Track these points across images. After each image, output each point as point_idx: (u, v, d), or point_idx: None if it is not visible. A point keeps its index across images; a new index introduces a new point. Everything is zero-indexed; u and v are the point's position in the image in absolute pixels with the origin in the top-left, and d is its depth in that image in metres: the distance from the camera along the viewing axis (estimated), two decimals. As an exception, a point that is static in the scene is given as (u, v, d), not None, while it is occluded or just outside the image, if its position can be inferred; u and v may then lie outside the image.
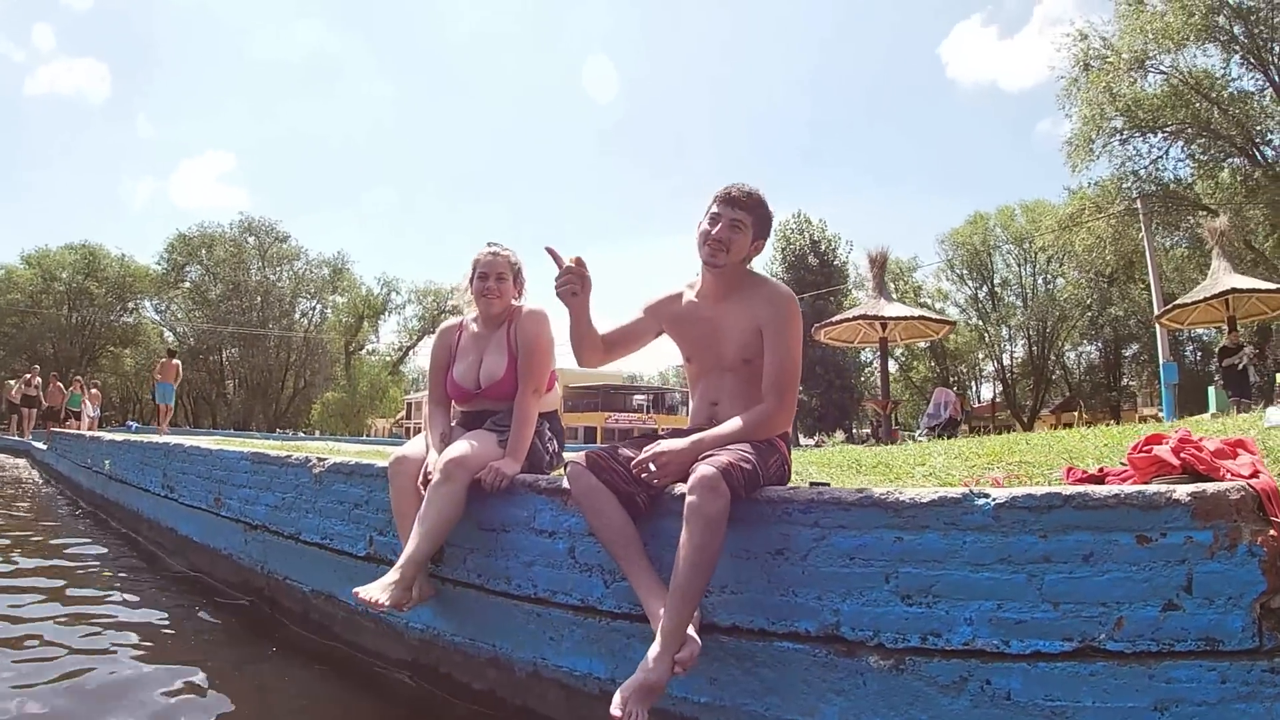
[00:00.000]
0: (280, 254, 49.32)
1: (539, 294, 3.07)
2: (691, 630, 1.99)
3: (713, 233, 2.40)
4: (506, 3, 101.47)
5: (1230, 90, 24.57)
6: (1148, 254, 21.34)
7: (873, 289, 17.30)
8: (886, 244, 19.53)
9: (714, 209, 2.43)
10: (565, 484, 2.35)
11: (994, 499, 1.74)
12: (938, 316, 21.55)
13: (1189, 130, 24.81)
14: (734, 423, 2.27)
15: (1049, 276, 44.31)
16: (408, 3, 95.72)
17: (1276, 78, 23.60)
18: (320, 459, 3.80)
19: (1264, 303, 14.18)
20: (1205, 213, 24.83)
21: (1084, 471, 2.57)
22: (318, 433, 40.27)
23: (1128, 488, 1.71)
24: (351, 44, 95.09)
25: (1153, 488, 1.67)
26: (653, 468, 2.15)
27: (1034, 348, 44.46)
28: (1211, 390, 16.91)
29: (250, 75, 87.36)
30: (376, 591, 2.37)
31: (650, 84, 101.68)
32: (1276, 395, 13.01)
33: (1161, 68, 24.81)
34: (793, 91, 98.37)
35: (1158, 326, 19.81)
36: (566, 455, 2.51)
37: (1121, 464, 2.73)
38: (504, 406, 2.93)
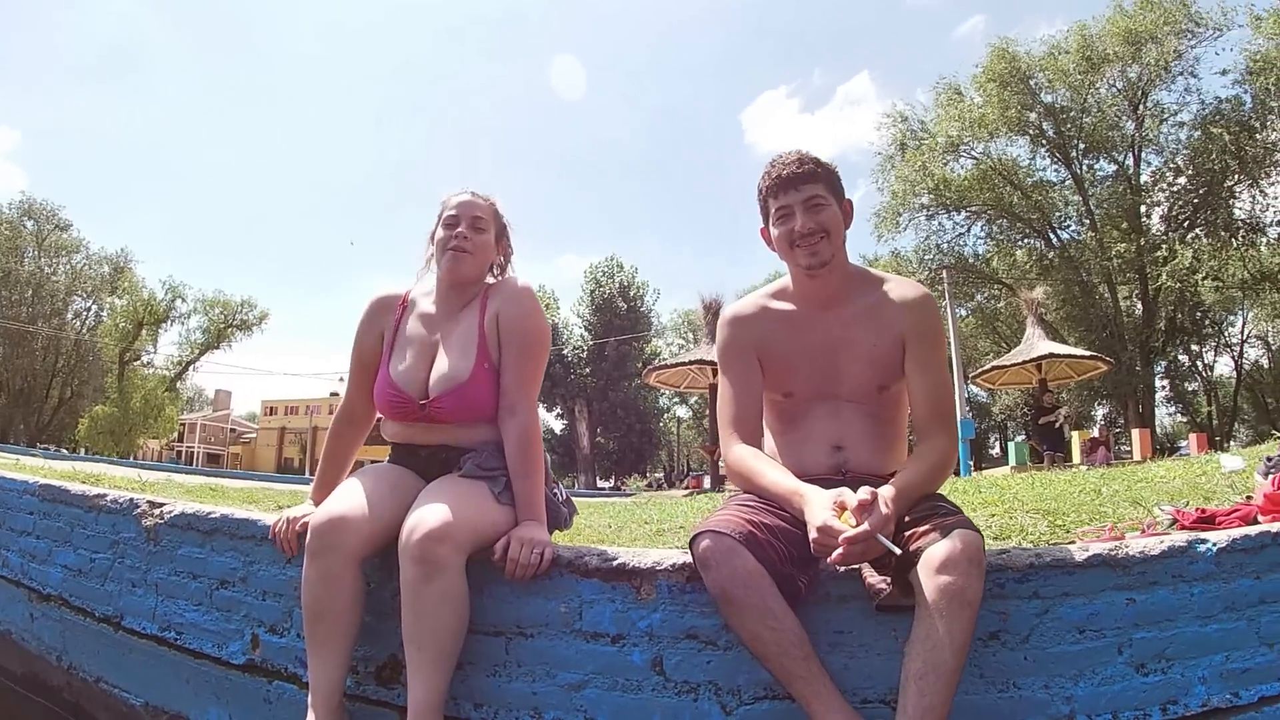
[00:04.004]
0: (59, 244, 42.66)
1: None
2: None
3: (798, 228, 1.79)
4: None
5: (1034, 178, 27.57)
6: (950, 321, 23.10)
7: (706, 336, 17.41)
8: (717, 293, 19.59)
9: (777, 204, 1.83)
10: (697, 564, 1.59)
11: (1215, 544, 1.65)
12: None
13: (991, 211, 27.47)
14: (911, 472, 1.67)
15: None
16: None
17: (1078, 170, 26.72)
18: (154, 503, 2.65)
19: (1071, 368, 15.73)
20: (1000, 287, 27.46)
21: (1189, 514, 2.47)
22: (84, 450, 34.68)
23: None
24: (161, 29, 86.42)
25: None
26: (892, 548, 1.47)
27: (822, 401, 47.21)
28: (1011, 445, 18.47)
29: (48, 49, 76.45)
30: None
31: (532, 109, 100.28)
32: (1088, 453, 14.24)
33: (973, 153, 27.48)
34: (612, 133, 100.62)
35: (960, 386, 21.47)
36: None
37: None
38: (466, 437, 1.98)
